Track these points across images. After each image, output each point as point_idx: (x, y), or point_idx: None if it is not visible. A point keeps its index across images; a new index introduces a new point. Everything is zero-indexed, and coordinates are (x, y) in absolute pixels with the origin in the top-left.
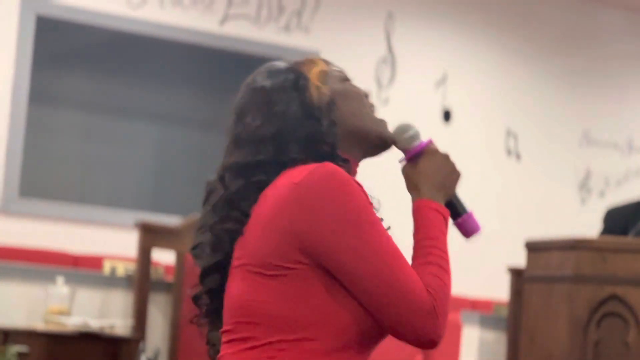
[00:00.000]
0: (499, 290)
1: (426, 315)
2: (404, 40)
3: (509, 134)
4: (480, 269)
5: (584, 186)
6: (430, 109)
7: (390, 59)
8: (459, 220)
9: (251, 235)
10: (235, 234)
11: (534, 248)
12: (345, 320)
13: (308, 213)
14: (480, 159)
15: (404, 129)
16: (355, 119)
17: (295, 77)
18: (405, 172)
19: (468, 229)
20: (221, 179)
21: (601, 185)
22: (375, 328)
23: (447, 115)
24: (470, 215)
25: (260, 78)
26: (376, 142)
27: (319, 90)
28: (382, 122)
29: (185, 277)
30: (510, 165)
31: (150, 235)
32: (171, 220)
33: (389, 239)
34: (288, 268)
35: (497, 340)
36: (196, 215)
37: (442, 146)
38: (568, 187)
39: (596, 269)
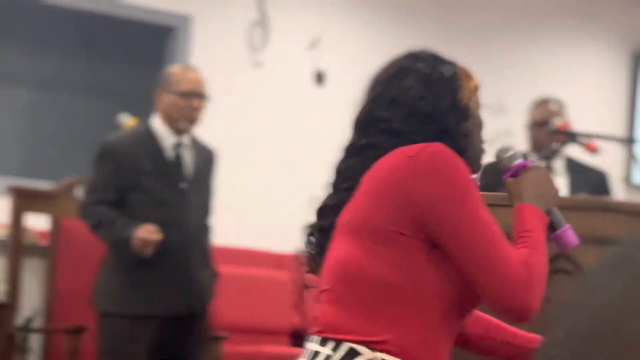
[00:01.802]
0: None
1: (521, 285)
2: (277, 3)
3: None
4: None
5: None
6: (304, 71)
7: (262, 21)
8: (558, 232)
9: (361, 202)
10: (350, 192)
11: None
12: (444, 291)
13: (422, 184)
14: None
15: (506, 149)
16: (475, 140)
17: (455, 74)
18: (509, 185)
19: (566, 242)
20: (366, 125)
21: None
22: (469, 300)
23: (320, 78)
24: (567, 229)
25: (427, 57)
26: (474, 168)
27: (469, 99)
28: (482, 153)
29: (61, 241)
30: None
31: (23, 200)
32: (43, 185)
33: (490, 217)
34: (398, 234)
35: None
36: (70, 179)
37: (315, 109)
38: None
39: None
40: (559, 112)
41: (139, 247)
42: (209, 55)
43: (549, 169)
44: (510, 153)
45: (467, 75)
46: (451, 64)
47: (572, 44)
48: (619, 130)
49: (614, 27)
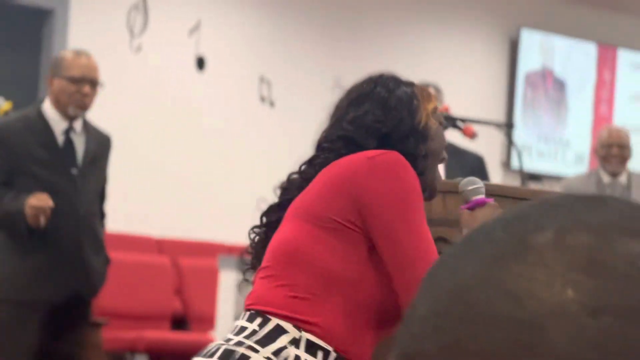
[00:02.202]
0: None
1: (406, 289)
2: None
3: (263, 80)
4: (236, 215)
5: None
6: (184, 56)
7: (142, 5)
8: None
9: (314, 190)
10: (302, 186)
11: None
12: (377, 293)
13: (373, 183)
14: (234, 106)
15: (472, 182)
16: (433, 162)
17: (413, 96)
18: (464, 216)
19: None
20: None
21: None
22: (398, 308)
23: (200, 63)
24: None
25: (385, 81)
26: (430, 193)
27: (427, 120)
28: (440, 181)
29: None
30: (265, 112)
31: None
32: None
33: (426, 227)
34: (343, 225)
35: None
36: None
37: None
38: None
39: None
40: (437, 97)
41: (31, 216)
42: (88, 39)
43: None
44: (474, 186)
45: (426, 97)
46: (409, 86)
47: (450, 28)
48: (498, 115)
49: (492, 13)
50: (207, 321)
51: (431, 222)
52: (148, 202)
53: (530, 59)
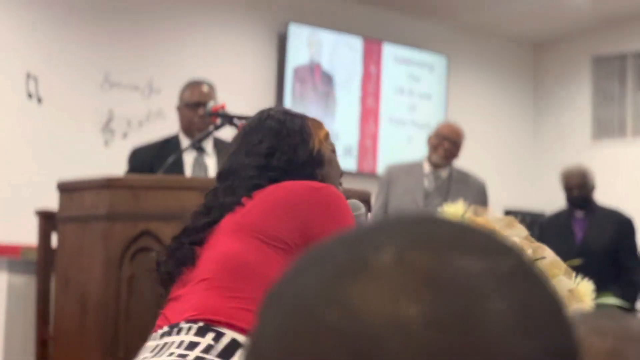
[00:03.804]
0: (29, 235)
1: None
2: None
3: (29, 77)
4: (8, 214)
5: (107, 128)
6: None
7: None
8: None
9: (261, 211)
10: (232, 207)
11: (66, 189)
12: None
13: (321, 212)
14: (0, 103)
15: (355, 206)
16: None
17: (304, 125)
18: None
19: None
20: (231, 172)
21: (124, 126)
22: None
23: None
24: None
25: (276, 114)
26: None
27: (320, 146)
28: None
29: None
30: (32, 109)
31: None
32: None
33: None
34: (288, 245)
35: (27, 284)
36: None
37: None
38: (91, 129)
39: (129, 206)
40: (210, 93)
41: None
42: None
43: (201, 150)
44: (358, 212)
45: (317, 125)
46: (300, 117)
47: (220, 24)
48: None
49: (260, 7)
50: None
51: (144, 216)
52: None
53: (298, 54)
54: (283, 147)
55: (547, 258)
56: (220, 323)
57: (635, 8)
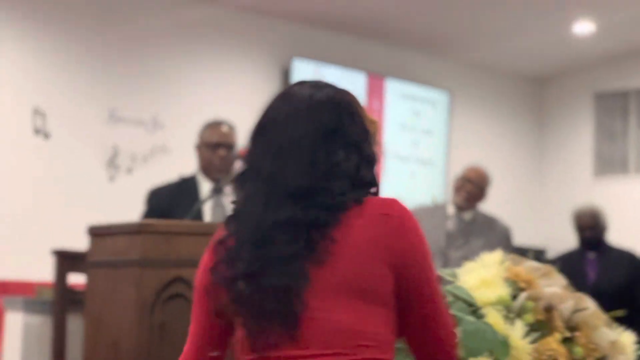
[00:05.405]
0: (41, 273)
1: (456, 337)
2: None
3: (37, 112)
4: (19, 252)
5: (112, 163)
6: None
7: None
8: None
9: (345, 260)
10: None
11: (97, 233)
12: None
13: (403, 242)
14: (7, 139)
15: None
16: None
17: (367, 128)
18: None
19: None
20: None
21: (128, 162)
22: None
23: None
24: None
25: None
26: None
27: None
28: None
29: None
30: (39, 145)
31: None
32: None
33: None
34: (390, 296)
35: (43, 323)
36: None
37: None
38: (97, 164)
39: (161, 252)
40: (230, 134)
41: None
42: None
43: (219, 191)
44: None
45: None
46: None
47: (224, 59)
48: None
49: (264, 43)
50: None
51: (176, 262)
52: None
53: None
54: (362, 162)
55: (589, 309)
56: None
57: (639, 45)
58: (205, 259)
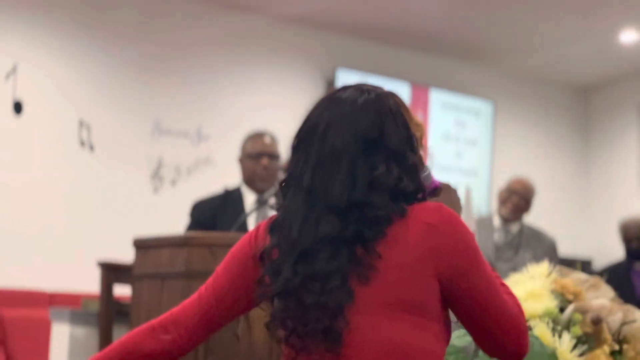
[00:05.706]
0: (87, 285)
1: (525, 330)
2: None
3: (82, 124)
4: (65, 264)
5: (157, 175)
6: (0, 100)
7: None
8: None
9: (391, 276)
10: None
11: (142, 246)
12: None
13: (453, 253)
14: (53, 151)
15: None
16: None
17: (412, 134)
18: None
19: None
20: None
21: (172, 174)
22: None
23: (18, 107)
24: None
25: (390, 113)
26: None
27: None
28: None
29: None
30: (84, 157)
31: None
32: None
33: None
34: (439, 310)
35: (89, 335)
36: None
37: (13, 139)
38: (141, 176)
39: (206, 264)
40: (272, 144)
41: None
42: None
43: (264, 202)
44: (425, 173)
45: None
46: (404, 116)
47: (268, 70)
48: None
49: (308, 53)
50: None
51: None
52: None
53: None
54: (405, 174)
55: (638, 321)
56: None
57: None
58: (254, 232)
